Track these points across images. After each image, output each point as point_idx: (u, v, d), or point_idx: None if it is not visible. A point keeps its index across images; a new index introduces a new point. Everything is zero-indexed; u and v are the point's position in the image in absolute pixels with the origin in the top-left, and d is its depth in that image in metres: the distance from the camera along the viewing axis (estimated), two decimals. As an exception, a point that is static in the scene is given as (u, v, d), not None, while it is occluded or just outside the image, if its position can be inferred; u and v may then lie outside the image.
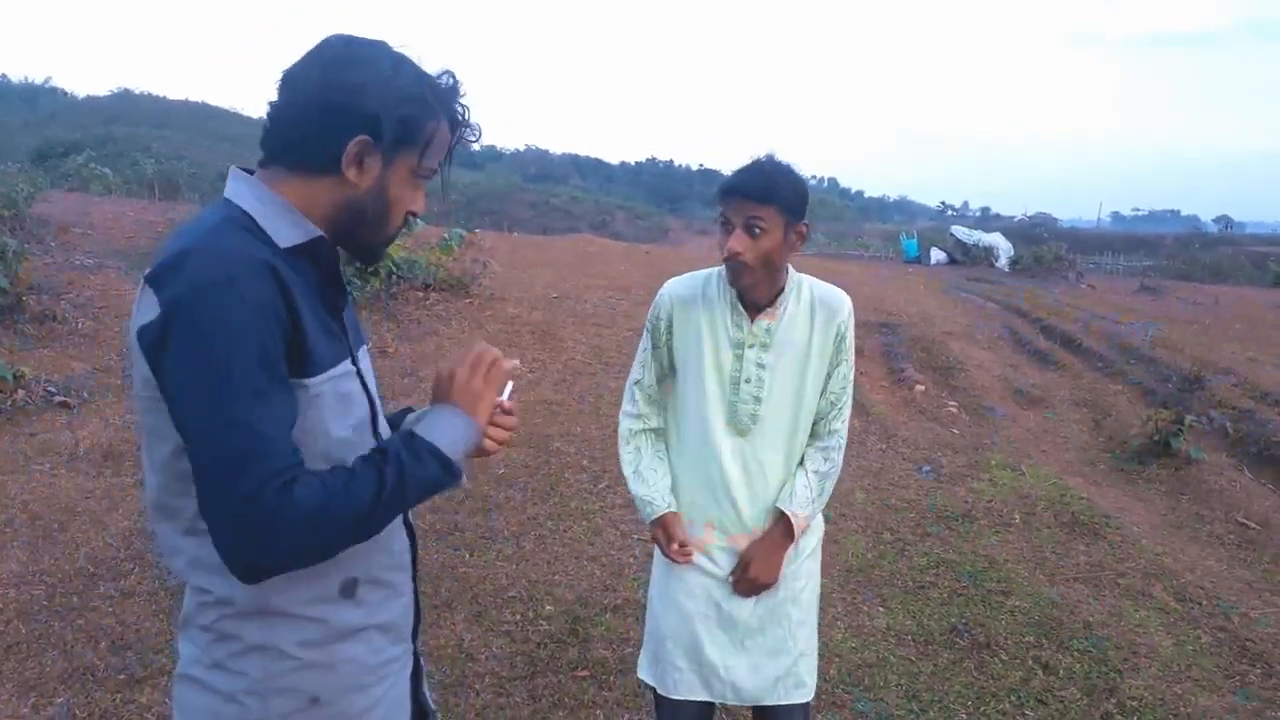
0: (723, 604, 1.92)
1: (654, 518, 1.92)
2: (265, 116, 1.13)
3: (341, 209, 1.12)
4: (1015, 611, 3.59)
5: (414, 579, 1.29)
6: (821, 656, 3.21)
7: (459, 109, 1.17)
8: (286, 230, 1.09)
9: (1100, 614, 3.61)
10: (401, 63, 1.11)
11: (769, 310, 1.86)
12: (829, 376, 1.91)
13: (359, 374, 1.18)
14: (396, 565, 1.24)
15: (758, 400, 1.86)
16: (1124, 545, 4.34)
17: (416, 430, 1.11)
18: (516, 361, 1.28)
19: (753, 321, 1.86)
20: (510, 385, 1.27)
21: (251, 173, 1.14)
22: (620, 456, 2.00)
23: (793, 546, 1.92)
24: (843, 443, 1.96)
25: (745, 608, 1.92)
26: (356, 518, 1.02)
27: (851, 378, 1.95)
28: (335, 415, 1.10)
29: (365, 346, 1.28)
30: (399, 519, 1.22)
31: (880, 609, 3.62)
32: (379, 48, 1.11)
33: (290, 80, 1.09)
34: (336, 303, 1.17)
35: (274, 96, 1.11)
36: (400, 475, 1.05)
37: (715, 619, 1.92)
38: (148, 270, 1.02)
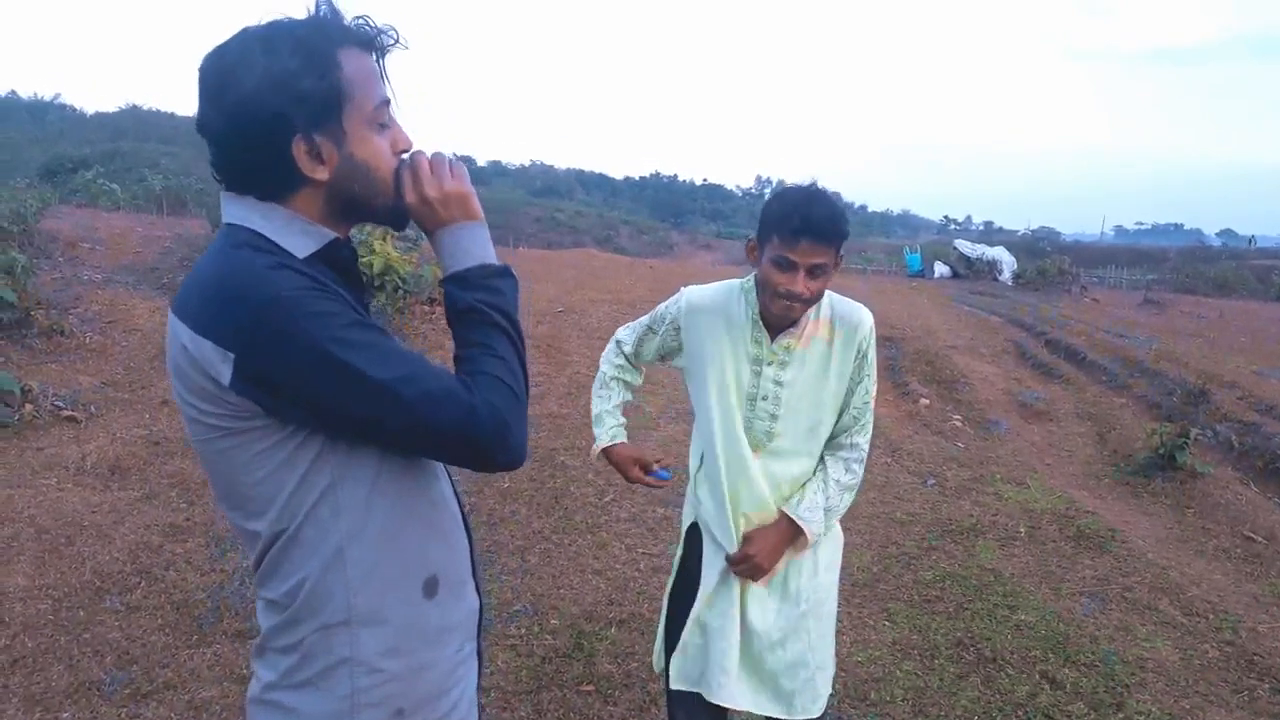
0: (743, 616, 1.93)
1: (602, 448, 2.02)
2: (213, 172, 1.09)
3: (333, 203, 1.08)
4: (1021, 626, 3.58)
5: (475, 573, 1.29)
6: (827, 671, 3.22)
7: (353, 29, 1.06)
8: (300, 240, 1.06)
9: (1107, 628, 3.60)
10: (269, 40, 1.01)
11: (791, 329, 1.85)
12: (850, 393, 1.90)
13: None
14: (465, 563, 1.24)
15: (774, 418, 1.87)
16: (1130, 559, 4.32)
17: (460, 269, 1.11)
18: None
19: (773, 339, 1.86)
20: None
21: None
22: (594, 393, 2.12)
23: (809, 552, 1.92)
24: (864, 456, 1.96)
25: (766, 620, 1.92)
26: (521, 362, 1.10)
27: (874, 393, 1.94)
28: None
29: None
30: (459, 511, 1.24)
31: (886, 623, 3.61)
32: (242, 43, 1.02)
33: (206, 134, 1.04)
34: (362, 302, 1.16)
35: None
36: (502, 312, 1.10)
37: (737, 630, 1.93)
38: (191, 320, 1.01)
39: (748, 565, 1.89)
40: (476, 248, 1.12)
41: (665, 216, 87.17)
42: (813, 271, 1.71)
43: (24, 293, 6.42)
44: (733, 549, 1.91)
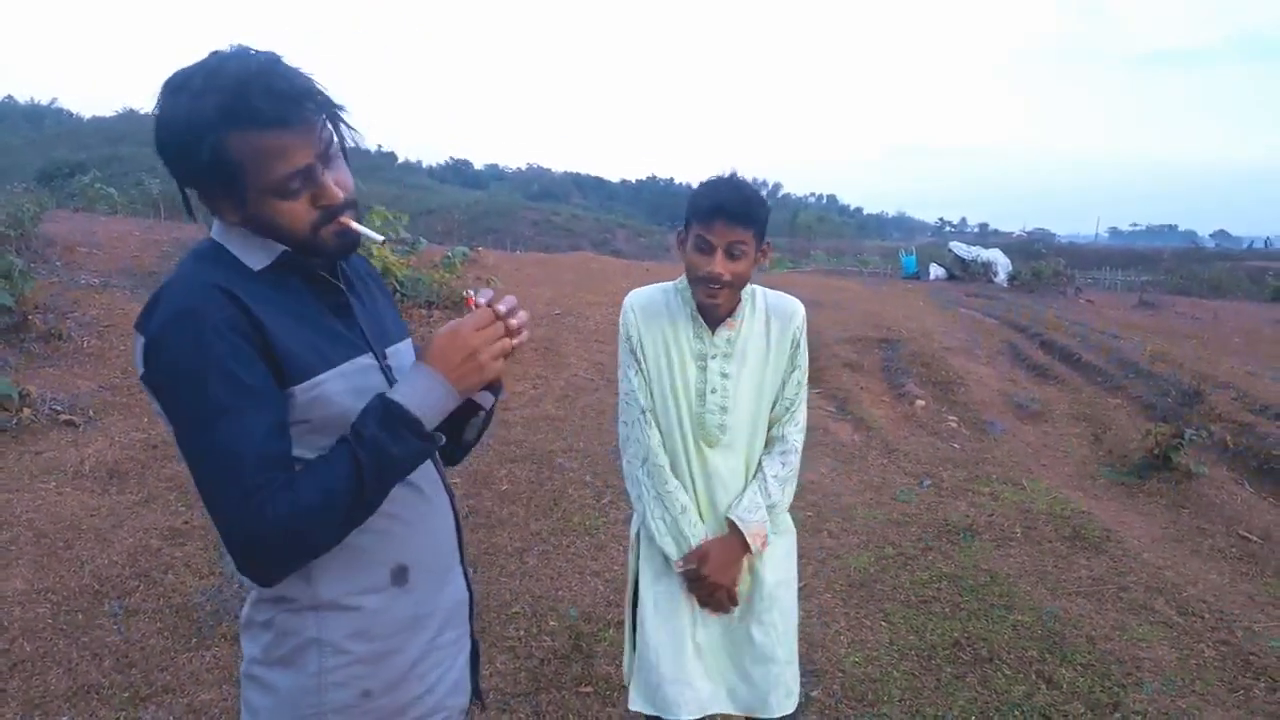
0: (707, 617, 1.94)
1: (689, 556, 1.87)
2: None
3: (258, 233, 1.12)
4: (1018, 626, 3.60)
5: (463, 562, 1.31)
6: (823, 671, 3.24)
7: (258, 108, 1.01)
8: (255, 254, 1.12)
9: (1103, 628, 3.62)
10: (180, 106, 1.03)
11: (728, 321, 1.89)
12: (783, 383, 1.94)
13: (383, 368, 1.20)
14: (445, 549, 1.26)
15: (724, 410, 1.89)
16: (1125, 559, 4.34)
17: (397, 400, 1.07)
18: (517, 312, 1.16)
19: (713, 333, 1.89)
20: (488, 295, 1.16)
21: None
22: (660, 495, 1.90)
23: (755, 557, 1.92)
24: (799, 446, 1.98)
25: (724, 618, 1.94)
26: (344, 505, 1.04)
27: (805, 383, 1.98)
28: (356, 410, 1.10)
29: (406, 341, 1.30)
30: (446, 502, 1.26)
31: (883, 623, 3.63)
32: (171, 100, 1.04)
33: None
34: (337, 303, 1.19)
35: None
36: (377, 455, 1.04)
37: (701, 632, 1.93)
38: (139, 317, 1.07)
39: (702, 586, 1.87)
40: (430, 401, 1.08)
41: (662, 219, 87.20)
42: (730, 251, 1.75)
43: (21, 297, 6.42)
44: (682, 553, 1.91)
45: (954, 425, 6.83)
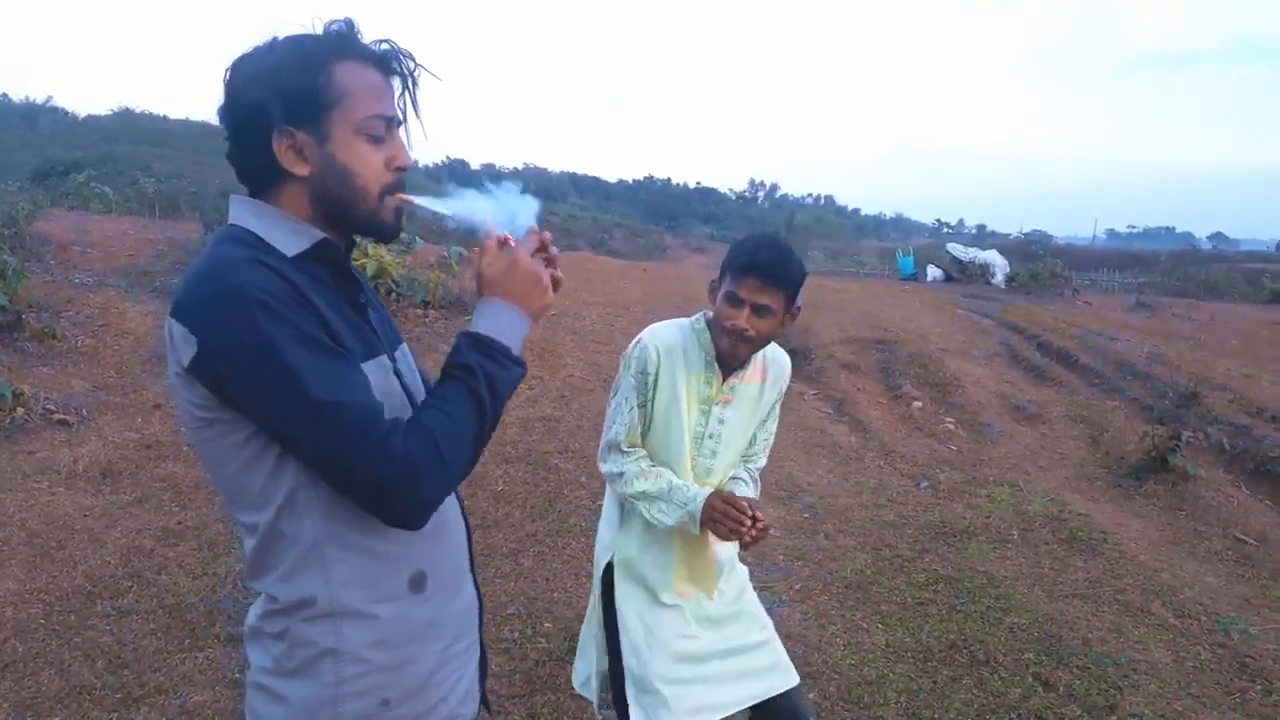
0: (693, 621, 2.00)
1: (704, 498, 1.86)
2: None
3: (316, 202, 1.11)
4: (1014, 628, 3.59)
5: (472, 569, 1.30)
6: (820, 673, 3.23)
7: (360, 44, 1.10)
8: (290, 239, 1.10)
9: (1099, 630, 3.61)
10: (276, 42, 1.08)
11: (739, 371, 1.97)
12: (762, 423, 2.07)
13: (396, 372, 1.20)
14: (458, 556, 1.26)
15: (714, 455, 1.98)
16: (1122, 561, 4.34)
17: (484, 334, 1.11)
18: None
19: (724, 380, 1.96)
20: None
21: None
22: (642, 483, 1.92)
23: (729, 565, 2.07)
24: (762, 473, 2.14)
25: (713, 608, 2.03)
26: (472, 433, 1.07)
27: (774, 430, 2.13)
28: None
29: (404, 346, 1.30)
30: (458, 509, 1.26)
31: (879, 625, 3.62)
32: (261, 45, 1.09)
33: (219, 122, 1.11)
34: (357, 300, 1.18)
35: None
36: (489, 382, 1.09)
37: (694, 632, 1.99)
38: (174, 307, 1.04)
39: (758, 529, 1.83)
40: (510, 329, 1.13)
41: (659, 220, 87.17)
42: (758, 310, 1.82)
43: (15, 296, 6.40)
44: (670, 590, 1.98)
45: (951, 427, 6.83)
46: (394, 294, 8.06)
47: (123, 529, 4.07)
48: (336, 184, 1.10)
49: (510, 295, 1.14)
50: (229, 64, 1.08)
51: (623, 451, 1.95)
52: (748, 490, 2.02)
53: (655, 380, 1.92)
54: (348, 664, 1.10)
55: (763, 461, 2.12)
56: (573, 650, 3.26)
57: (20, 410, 5.18)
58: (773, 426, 2.11)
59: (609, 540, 2.04)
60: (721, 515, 1.81)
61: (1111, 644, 3.50)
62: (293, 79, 1.05)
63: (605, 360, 7.79)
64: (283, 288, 1.01)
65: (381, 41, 1.12)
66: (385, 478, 1.00)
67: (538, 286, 1.15)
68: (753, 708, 2.02)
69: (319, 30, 1.09)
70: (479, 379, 1.08)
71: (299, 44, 1.07)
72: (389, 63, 1.12)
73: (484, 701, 1.35)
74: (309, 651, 1.10)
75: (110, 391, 5.84)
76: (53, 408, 5.38)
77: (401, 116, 1.14)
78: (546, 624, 3.47)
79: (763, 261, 1.79)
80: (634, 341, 1.97)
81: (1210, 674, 3.35)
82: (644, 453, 1.97)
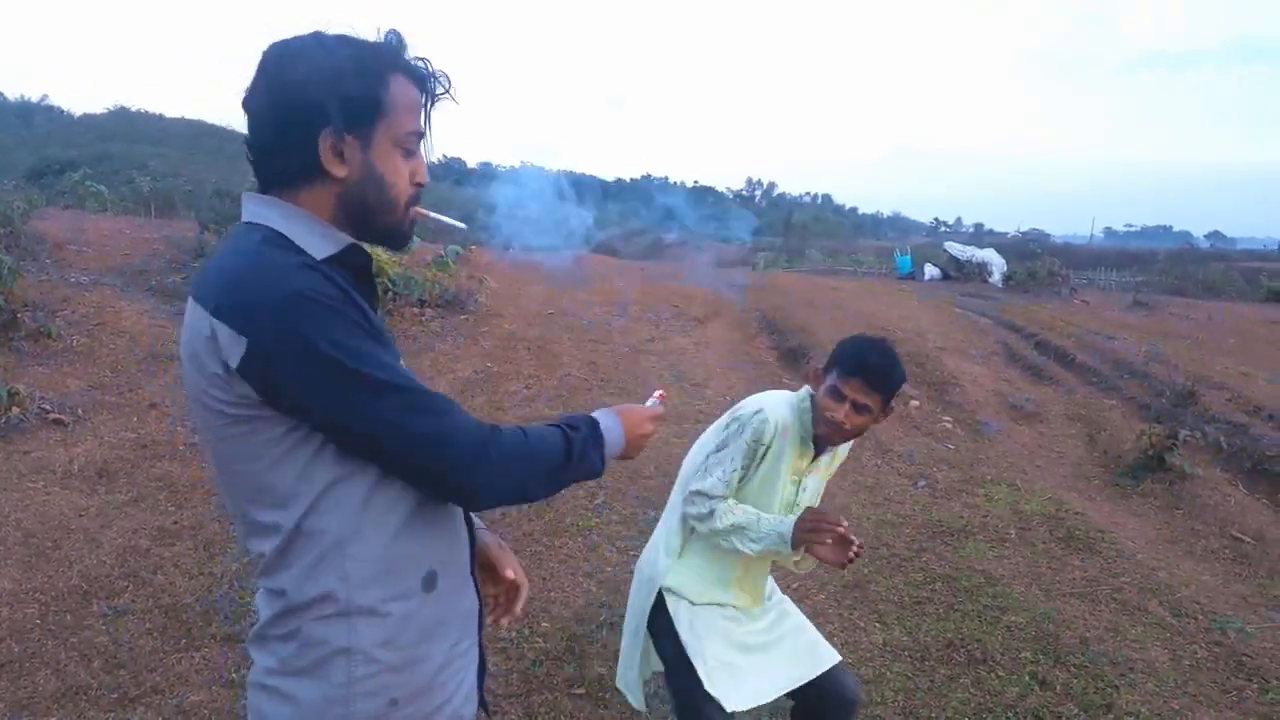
0: (740, 619, 2.17)
1: (793, 520, 1.96)
2: (245, 149, 1.15)
3: (345, 206, 1.13)
4: (1011, 627, 3.59)
5: (473, 571, 1.30)
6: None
7: (414, 62, 1.15)
8: (319, 242, 1.10)
9: (1096, 629, 3.61)
10: (336, 42, 1.11)
11: (829, 449, 2.15)
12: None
13: None
14: (465, 559, 1.26)
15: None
16: (1119, 560, 4.34)
17: (599, 419, 1.26)
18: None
19: (815, 457, 2.12)
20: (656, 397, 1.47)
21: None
22: (732, 518, 2.02)
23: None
24: None
25: (756, 624, 2.18)
26: (549, 466, 1.17)
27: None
28: None
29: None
30: (460, 515, 1.26)
31: (876, 624, 3.62)
32: (312, 38, 1.11)
33: (247, 108, 1.11)
34: (373, 306, 1.19)
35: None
36: (582, 450, 1.21)
37: (744, 631, 2.15)
38: (211, 305, 1.03)
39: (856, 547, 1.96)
40: (614, 440, 1.28)
41: (657, 219, 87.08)
42: (857, 407, 1.98)
43: (11, 295, 6.38)
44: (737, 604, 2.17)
45: (949, 426, 6.83)
46: (390, 293, 8.05)
47: (118, 529, 4.06)
48: (373, 191, 1.13)
49: (629, 432, 1.30)
50: (275, 57, 1.10)
51: (711, 498, 2.06)
52: None
53: (765, 452, 2.06)
54: (359, 664, 1.10)
55: None
56: (570, 650, 3.28)
57: (15, 410, 5.17)
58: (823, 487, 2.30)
59: (664, 567, 2.16)
60: (813, 526, 1.93)
61: (1108, 642, 3.50)
62: (354, 85, 1.08)
63: (602, 359, 7.79)
64: (336, 291, 1.03)
65: (421, 59, 1.16)
66: (472, 445, 1.09)
67: (641, 443, 1.34)
68: (796, 693, 2.13)
69: (371, 38, 1.13)
70: (576, 440, 1.20)
71: (359, 51, 1.10)
72: (426, 81, 1.16)
73: (482, 703, 1.35)
74: (321, 651, 1.10)
75: (106, 391, 5.83)
76: (48, 407, 5.36)
77: (426, 131, 1.19)
78: (544, 624, 3.46)
79: (871, 366, 1.97)
80: (754, 410, 2.07)
81: (1207, 672, 3.35)
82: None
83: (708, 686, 1.99)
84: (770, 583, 2.29)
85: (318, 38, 1.11)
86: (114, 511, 4.25)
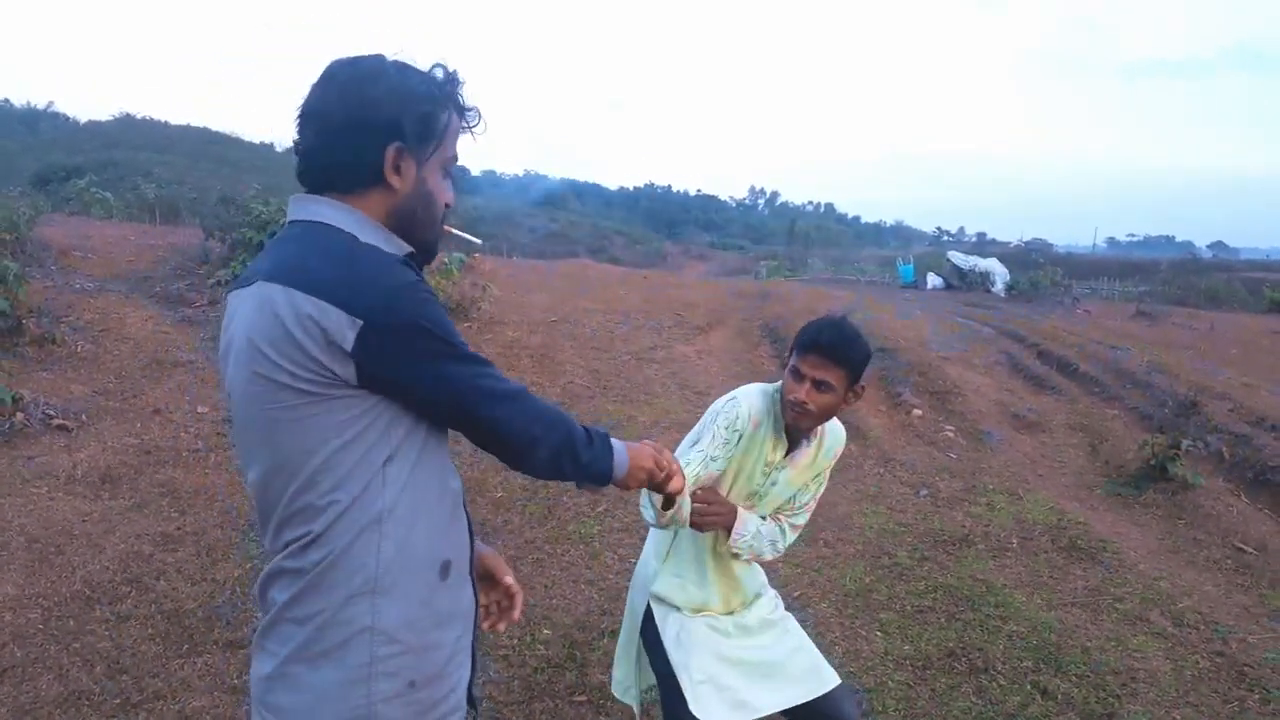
0: (730, 628, 2.14)
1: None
2: (296, 154, 1.22)
3: (395, 216, 1.22)
4: (1013, 636, 3.59)
5: (471, 570, 1.33)
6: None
7: (462, 100, 1.28)
8: (386, 246, 1.19)
9: (1098, 639, 3.61)
10: (404, 67, 1.22)
11: (805, 444, 2.09)
12: (805, 488, 2.17)
13: None
14: (468, 555, 1.31)
15: (753, 509, 2.11)
16: (1121, 570, 4.34)
17: (611, 435, 1.34)
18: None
19: (789, 450, 2.08)
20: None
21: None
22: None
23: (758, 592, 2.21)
24: (794, 537, 2.20)
25: (748, 618, 2.15)
26: (567, 438, 1.26)
27: (819, 495, 2.22)
28: None
29: None
30: (460, 506, 1.31)
31: (878, 633, 3.62)
32: (380, 60, 1.22)
33: (311, 114, 1.20)
34: None
35: (297, 134, 1.22)
36: (600, 445, 1.30)
37: (734, 640, 2.11)
38: (314, 290, 1.10)
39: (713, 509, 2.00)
40: (622, 457, 1.36)
41: (659, 227, 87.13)
42: (818, 385, 1.93)
43: (16, 301, 6.40)
44: (707, 609, 2.12)
45: (951, 435, 6.83)
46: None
47: (121, 534, 4.07)
48: (423, 205, 1.25)
49: (635, 460, 1.37)
50: (348, 73, 1.20)
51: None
52: (768, 528, 2.12)
53: (741, 440, 2.03)
54: (381, 643, 1.14)
55: (801, 520, 2.20)
56: (570, 657, 3.28)
57: (20, 415, 5.18)
58: (819, 492, 2.21)
59: (653, 570, 2.18)
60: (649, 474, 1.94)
61: (1110, 652, 3.50)
62: (426, 107, 1.21)
63: (605, 367, 7.80)
64: (428, 285, 1.16)
65: (470, 106, 1.29)
66: (540, 431, 1.22)
67: (644, 476, 1.41)
68: (794, 713, 2.09)
69: (437, 72, 1.26)
70: (593, 435, 1.30)
71: (428, 80, 1.23)
72: (466, 115, 1.29)
73: (470, 701, 1.37)
74: (344, 632, 1.13)
75: (110, 397, 5.85)
76: (52, 413, 5.38)
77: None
78: (545, 630, 3.47)
79: (825, 341, 1.93)
80: (729, 398, 2.06)
81: (1208, 683, 3.35)
82: None
83: (691, 706, 1.97)
84: (773, 599, 2.26)
85: (386, 61, 1.21)
86: (117, 517, 4.26)
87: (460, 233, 1.39)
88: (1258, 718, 3.12)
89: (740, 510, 2.06)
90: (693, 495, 1.93)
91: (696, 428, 2.10)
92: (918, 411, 7.27)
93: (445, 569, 1.22)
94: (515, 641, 3.37)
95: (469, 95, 1.30)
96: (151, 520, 4.25)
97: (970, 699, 3.14)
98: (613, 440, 1.35)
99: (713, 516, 2.00)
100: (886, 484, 5.63)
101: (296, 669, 1.14)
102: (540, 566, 4.05)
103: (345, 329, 1.08)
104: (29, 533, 4.02)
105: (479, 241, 1.49)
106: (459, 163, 1.33)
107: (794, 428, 2.03)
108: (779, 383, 2.08)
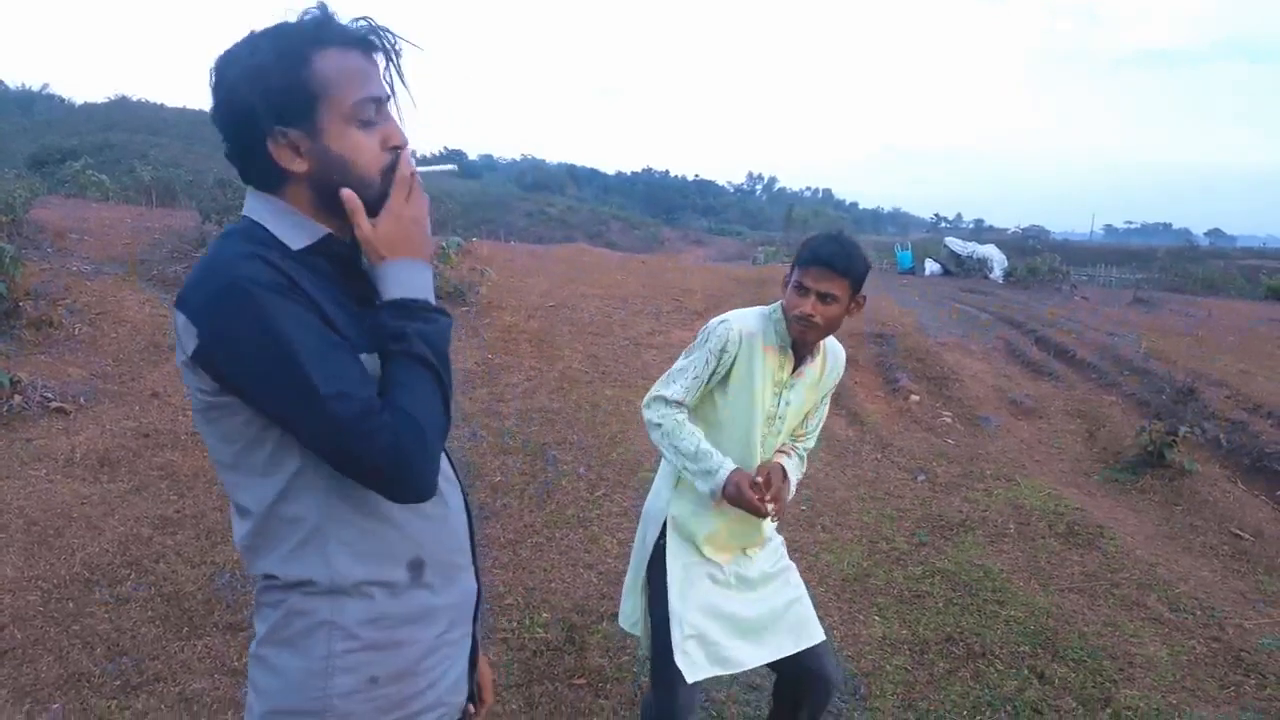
0: (732, 580, 2.14)
1: (727, 473, 1.99)
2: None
3: (320, 196, 1.12)
4: (1010, 621, 3.61)
5: (474, 560, 1.31)
6: (818, 665, 3.22)
7: (335, 29, 1.09)
8: (296, 233, 1.12)
9: (1095, 624, 3.63)
10: (262, 38, 1.08)
11: (810, 359, 2.12)
12: (815, 408, 2.23)
13: None
14: (459, 547, 1.27)
15: (778, 434, 2.13)
16: (1118, 556, 4.36)
17: (400, 297, 1.11)
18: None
19: (795, 366, 2.09)
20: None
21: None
22: (677, 439, 2.04)
23: (771, 523, 2.17)
24: (807, 456, 2.29)
25: (751, 569, 2.16)
26: (442, 401, 1.10)
27: (826, 414, 2.30)
28: None
29: None
30: (460, 499, 1.28)
31: (876, 618, 3.63)
32: (244, 40, 1.09)
33: (211, 119, 1.11)
34: (364, 294, 1.17)
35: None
36: (429, 343, 1.10)
37: (733, 593, 2.13)
38: (178, 298, 1.06)
39: (774, 510, 2.02)
40: (420, 283, 1.14)
41: (657, 212, 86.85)
42: (823, 298, 1.96)
43: (13, 283, 6.38)
44: (713, 546, 2.13)
45: (948, 421, 6.84)
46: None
47: (120, 517, 4.07)
48: (337, 176, 1.10)
49: (404, 249, 1.13)
50: (213, 66, 1.09)
51: (668, 404, 2.07)
52: (794, 467, 2.19)
53: (733, 361, 2.04)
54: (339, 639, 1.11)
55: (812, 443, 2.27)
56: (570, 640, 3.29)
57: (18, 398, 5.17)
58: (824, 412, 2.28)
59: (667, 497, 2.16)
60: (737, 496, 1.97)
61: (1107, 637, 3.52)
62: (276, 79, 1.05)
63: (603, 352, 7.80)
64: (276, 279, 1.03)
65: (358, 19, 1.11)
66: (383, 464, 1.03)
67: (420, 231, 1.15)
68: (779, 665, 2.15)
69: (294, 20, 1.08)
70: (421, 345, 1.09)
71: (276, 39, 1.07)
72: (369, 41, 1.11)
73: (472, 694, 1.36)
74: (305, 622, 1.11)
75: (108, 380, 5.84)
76: (50, 395, 5.37)
77: (390, 92, 1.14)
78: (544, 614, 3.48)
79: (827, 253, 1.95)
80: (719, 319, 2.09)
81: (1205, 668, 3.36)
82: (686, 413, 2.08)
83: (676, 657, 2.02)
84: (779, 545, 2.25)
85: (249, 38, 1.08)
86: (116, 500, 4.26)
87: (429, 168, 1.24)
88: (1254, 702, 3.14)
89: (788, 477, 2.10)
90: (736, 482, 1.96)
91: (687, 350, 2.13)
92: (915, 397, 7.28)
93: (416, 567, 1.17)
94: (514, 625, 3.38)
95: (369, 18, 1.11)
96: (151, 503, 4.25)
97: (967, 683, 3.16)
98: (396, 277, 1.14)
99: (781, 504, 2.04)
100: (884, 469, 5.65)
101: (268, 651, 1.14)
102: (539, 550, 4.06)
103: (187, 337, 1.03)
104: (28, 515, 4.02)
105: (452, 168, 1.35)
106: (384, 95, 1.13)
107: (800, 342, 2.05)
108: (774, 305, 2.10)
